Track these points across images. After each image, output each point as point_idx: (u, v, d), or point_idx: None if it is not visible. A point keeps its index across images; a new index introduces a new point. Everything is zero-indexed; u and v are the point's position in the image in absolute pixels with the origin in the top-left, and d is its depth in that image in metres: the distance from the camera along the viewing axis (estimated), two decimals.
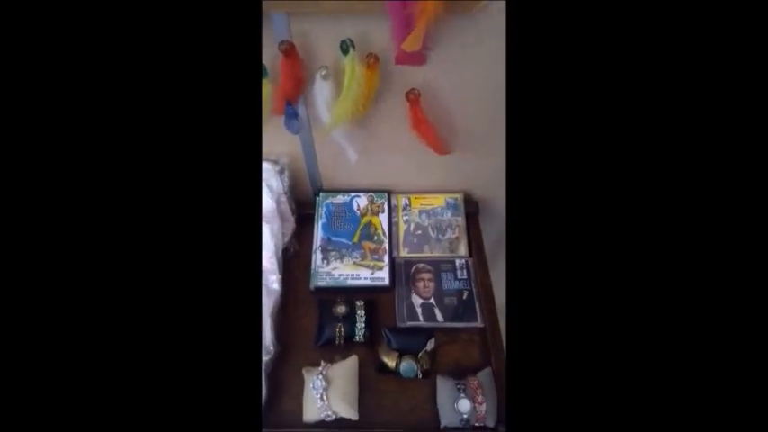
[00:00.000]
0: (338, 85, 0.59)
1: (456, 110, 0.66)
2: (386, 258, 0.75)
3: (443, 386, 0.61)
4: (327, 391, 0.59)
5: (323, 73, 0.58)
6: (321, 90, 0.60)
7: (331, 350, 0.66)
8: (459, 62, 0.59)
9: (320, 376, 0.60)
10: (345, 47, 0.54)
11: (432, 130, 0.64)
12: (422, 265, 0.75)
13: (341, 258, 0.75)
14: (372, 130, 0.69)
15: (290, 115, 0.64)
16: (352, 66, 0.56)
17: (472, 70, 0.60)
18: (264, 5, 0.47)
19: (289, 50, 0.55)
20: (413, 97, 0.60)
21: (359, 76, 0.56)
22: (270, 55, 0.55)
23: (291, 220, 0.78)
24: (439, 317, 0.70)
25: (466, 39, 0.56)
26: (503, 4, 0.49)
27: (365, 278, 0.73)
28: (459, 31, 0.54)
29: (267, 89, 0.59)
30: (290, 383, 0.64)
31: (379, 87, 0.60)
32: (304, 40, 0.56)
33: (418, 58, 0.56)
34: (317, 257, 0.75)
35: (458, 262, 0.76)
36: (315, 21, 0.55)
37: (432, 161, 0.73)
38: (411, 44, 0.50)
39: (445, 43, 0.56)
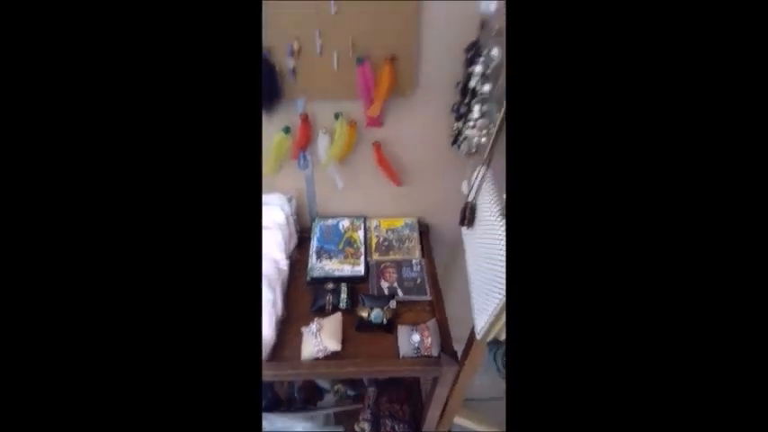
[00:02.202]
0: (332, 139, 0.98)
1: (405, 155, 1.05)
2: (362, 259, 1.06)
3: (402, 330, 0.87)
4: (320, 331, 0.85)
5: (323, 131, 0.98)
6: (322, 142, 0.98)
7: (322, 315, 0.92)
8: (403, 123, 0.99)
9: (315, 322, 0.86)
10: (337, 116, 0.95)
11: (389, 167, 1.02)
12: (388, 263, 1.06)
13: (330, 258, 1.05)
14: (352, 167, 1.06)
15: (302, 158, 1.02)
16: (341, 127, 0.95)
17: (412, 128, 1.00)
18: (290, 92, 0.88)
19: (304, 118, 0.95)
20: (376, 146, 1.00)
21: (344, 133, 0.96)
22: (293, 121, 0.95)
23: (295, 236, 1.10)
24: (400, 293, 0.98)
25: (405, 110, 0.97)
26: (426, 90, 0.91)
27: (347, 271, 1.03)
28: (401, 104, 0.96)
29: (288, 142, 0.97)
30: (292, 340, 0.89)
31: (356, 140, 0.99)
32: (313, 112, 0.97)
33: (378, 122, 0.96)
34: (313, 259, 1.05)
35: (413, 261, 1.07)
36: (320, 102, 0.96)
37: (395, 193, 1.10)
38: (373, 112, 0.91)
39: (393, 112, 0.97)
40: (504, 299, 0.57)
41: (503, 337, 0.66)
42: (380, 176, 1.05)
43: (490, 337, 0.67)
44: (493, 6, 0.73)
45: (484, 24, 0.78)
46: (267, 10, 0.76)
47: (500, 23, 0.71)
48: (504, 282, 0.57)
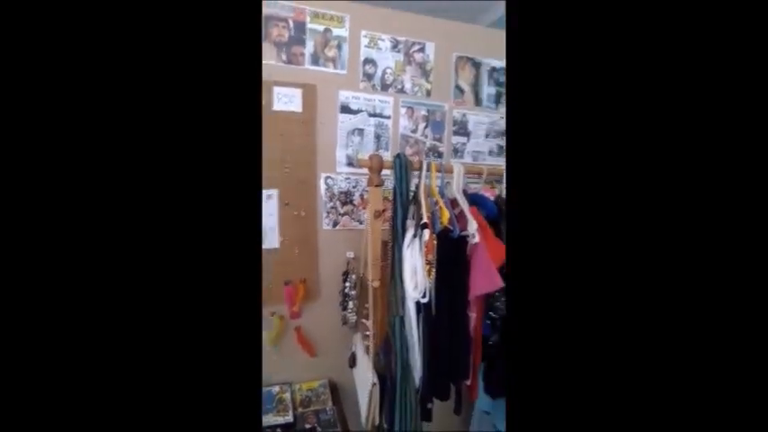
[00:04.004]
0: (270, 329, 1.59)
1: (316, 335, 1.69)
2: (291, 412, 1.52)
3: None
4: None
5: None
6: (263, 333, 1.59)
7: None
8: (313, 317, 1.66)
9: None
10: (273, 313, 1.59)
11: (306, 343, 1.64)
12: (309, 412, 1.53)
13: (265, 414, 1.49)
14: (283, 348, 1.64)
15: None
16: (276, 321, 1.59)
17: (319, 319, 1.67)
18: None
19: None
20: (297, 330, 1.63)
21: (277, 325, 1.59)
22: None
23: None
24: (319, 430, 1.44)
25: (313, 308, 1.66)
26: (325, 296, 1.64)
27: (281, 420, 1.47)
28: (311, 306, 1.65)
29: None
30: None
31: (286, 327, 1.62)
32: None
33: (298, 315, 1.63)
34: None
35: (327, 408, 1.56)
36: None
37: (311, 362, 1.67)
38: (294, 309, 1.58)
39: (307, 310, 1.65)
40: (372, 385, 1.16)
41: (377, 421, 1.19)
42: (301, 351, 1.64)
43: (370, 425, 1.19)
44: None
45: (349, 263, 1.61)
46: None
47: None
48: (367, 385, 1.17)
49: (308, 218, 1.57)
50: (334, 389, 1.69)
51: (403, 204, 1.20)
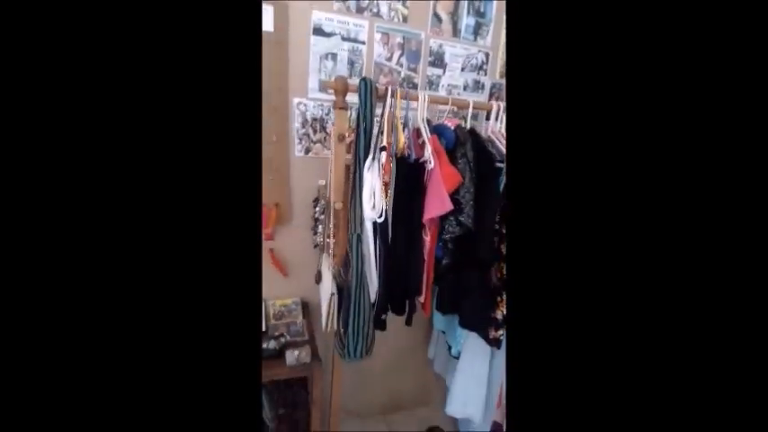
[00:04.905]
0: None
1: (288, 256, 1.79)
2: (265, 324, 1.67)
3: (288, 352, 1.48)
4: None
5: None
6: None
7: None
8: (286, 238, 1.76)
9: None
10: None
11: (279, 264, 1.75)
12: (281, 324, 1.68)
13: None
14: None
15: None
16: None
17: (291, 241, 1.77)
18: None
19: None
20: (270, 252, 1.73)
21: None
22: None
23: None
24: (288, 337, 1.60)
25: (286, 231, 1.75)
26: (296, 220, 1.72)
27: None
28: (284, 228, 1.74)
29: None
30: None
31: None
32: None
33: (271, 237, 1.72)
34: None
35: (297, 322, 1.71)
36: None
37: (284, 281, 1.79)
38: (267, 231, 1.67)
39: (280, 232, 1.74)
40: (330, 295, 1.28)
41: (335, 326, 1.33)
42: (275, 271, 1.76)
43: (328, 328, 1.33)
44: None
45: (320, 189, 1.67)
46: None
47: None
48: (326, 295, 1.29)
49: (281, 144, 1.60)
50: (305, 306, 1.83)
51: (366, 129, 1.23)
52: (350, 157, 1.27)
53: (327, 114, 1.62)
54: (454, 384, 1.63)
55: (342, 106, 1.24)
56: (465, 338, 1.54)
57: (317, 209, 1.65)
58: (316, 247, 1.72)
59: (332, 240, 1.38)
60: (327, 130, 1.65)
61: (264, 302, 1.78)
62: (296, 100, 1.57)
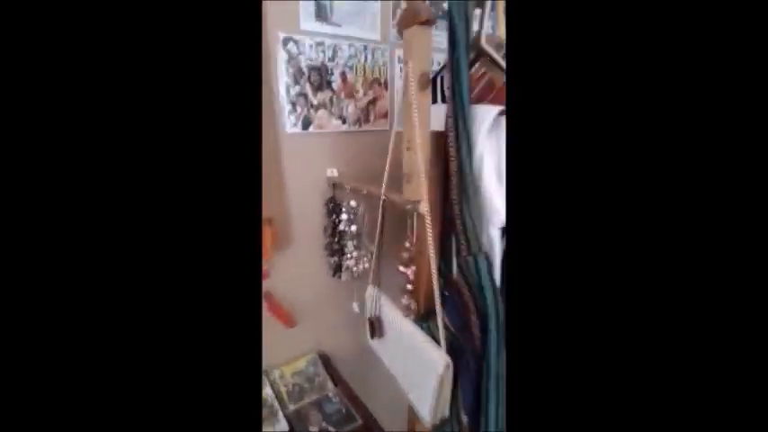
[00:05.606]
0: None
1: (293, 296, 1.14)
2: (280, 415, 1.01)
3: None
4: None
5: None
6: None
7: None
8: (287, 271, 1.10)
9: None
10: None
11: (281, 311, 1.09)
12: (307, 406, 1.05)
13: None
14: None
15: None
16: None
17: (296, 271, 1.12)
18: None
19: None
20: (267, 296, 1.06)
21: None
22: None
23: None
24: (332, 429, 0.98)
25: (286, 260, 1.09)
26: (299, 240, 1.07)
27: None
28: (282, 257, 1.08)
29: None
30: None
31: None
32: None
33: (266, 275, 1.05)
34: None
35: (329, 394, 1.09)
36: None
37: (291, 335, 1.14)
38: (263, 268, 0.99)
39: (277, 263, 1.07)
40: (440, 378, 0.71)
41: (446, 413, 0.78)
42: (276, 324, 1.09)
43: (438, 418, 0.78)
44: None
45: (335, 185, 1.04)
46: None
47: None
48: (432, 366, 0.72)
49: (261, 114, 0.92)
50: (327, 363, 1.21)
51: (466, 61, 0.67)
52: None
53: (333, 59, 0.98)
54: None
55: (426, 19, 0.64)
56: None
57: (337, 217, 1.02)
58: (336, 275, 1.10)
59: (410, 270, 0.79)
60: (335, 86, 1.01)
61: (266, 377, 1.12)
62: (281, 35, 0.89)
